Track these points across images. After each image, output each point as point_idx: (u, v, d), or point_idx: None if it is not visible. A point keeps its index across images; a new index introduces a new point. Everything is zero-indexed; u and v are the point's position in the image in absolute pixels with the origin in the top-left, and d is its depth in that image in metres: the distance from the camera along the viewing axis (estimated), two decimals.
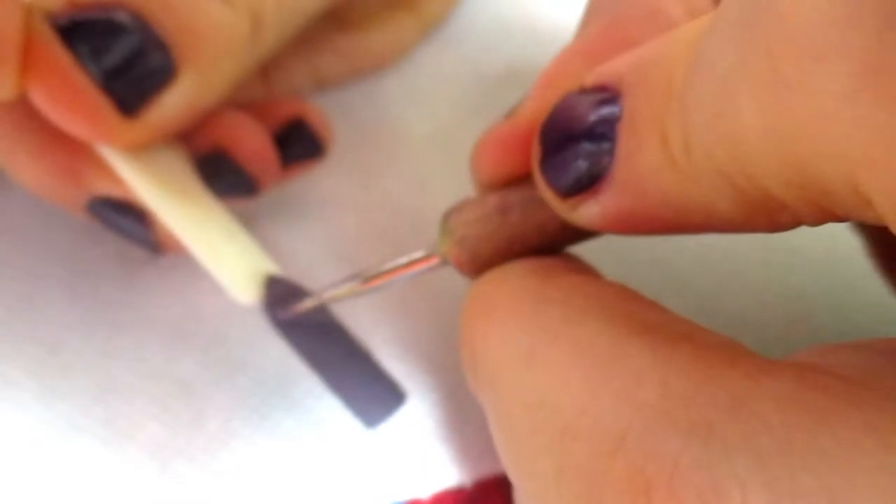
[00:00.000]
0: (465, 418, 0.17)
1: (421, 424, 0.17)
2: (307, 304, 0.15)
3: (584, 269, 0.13)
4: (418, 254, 0.14)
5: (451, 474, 0.16)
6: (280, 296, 0.15)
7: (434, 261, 0.14)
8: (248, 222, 0.18)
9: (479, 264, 0.13)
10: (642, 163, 0.10)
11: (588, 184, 0.11)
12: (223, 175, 0.17)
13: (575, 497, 0.10)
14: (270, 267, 0.16)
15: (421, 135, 0.23)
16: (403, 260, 0.14)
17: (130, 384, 0.17)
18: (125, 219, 0.16)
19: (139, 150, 0.15)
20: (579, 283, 0.12)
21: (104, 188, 0.16)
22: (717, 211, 0.10)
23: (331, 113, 0.21)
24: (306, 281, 0.16)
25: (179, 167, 0.16)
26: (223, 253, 0.16)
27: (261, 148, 0.17)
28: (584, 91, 0.11)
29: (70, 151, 0.16)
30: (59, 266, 0.20)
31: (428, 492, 0.16)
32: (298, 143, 0.19)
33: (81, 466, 0.16)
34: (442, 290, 0.19)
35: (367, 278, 0.15)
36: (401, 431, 0.17)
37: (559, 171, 0.11)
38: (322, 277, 0.17)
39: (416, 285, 0.19)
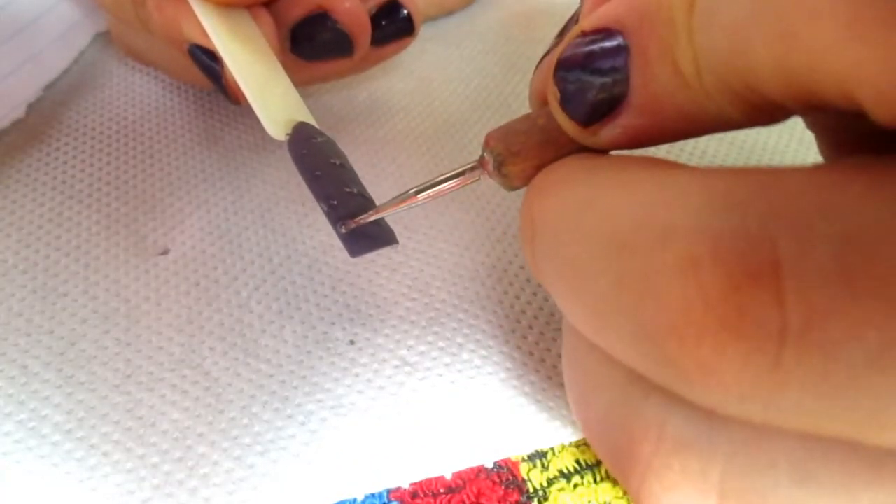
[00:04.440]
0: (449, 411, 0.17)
1: (405, 415, 0.17)
2: (368, 216, 0.16)
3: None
4: (468, 164, 0.15)
5: (430, 465, 0.16)
6: (304, 137, 0.17)
7: (481, 171, 0.15)
8: None
9: (528, 167, 0.14)
10: (658, 88, 0.12)
11: (607, 111, 0.13)
12: (325, 32, 0.20)
13: (633, 297, 0.11)
14: (307, 117, 0.18)
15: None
16: (454, 172, 0.15)
17: (150, 373, 0.18)
18: (211, 63, 0.20)
19: (219, 9, 0.19)
20: (628, 157, 0.13)
21: (197, 38, 0.20)
22: (727, 116, 0.12)
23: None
24: None
25: (248, 26, 0.20)
26: (268, 96, 0.18)
27: (356, 9, 0.20)
28: (585, 35, 0.13)
29: (177, 7, 0.20)
30: (73, 260, 0.20)
31: (407, 481, 0.16)
32: (392, 23, 0.22)
33: (104, 454, 0.16)
34: None
35: (420, 190, 0.16)
36: (394, 423, 0.17)
37: (577, 106, 0.13)
38: None
39: None
